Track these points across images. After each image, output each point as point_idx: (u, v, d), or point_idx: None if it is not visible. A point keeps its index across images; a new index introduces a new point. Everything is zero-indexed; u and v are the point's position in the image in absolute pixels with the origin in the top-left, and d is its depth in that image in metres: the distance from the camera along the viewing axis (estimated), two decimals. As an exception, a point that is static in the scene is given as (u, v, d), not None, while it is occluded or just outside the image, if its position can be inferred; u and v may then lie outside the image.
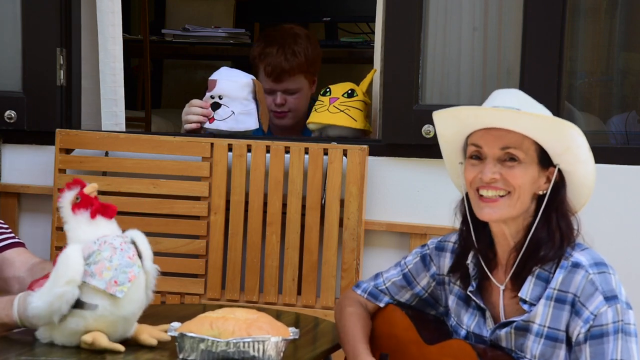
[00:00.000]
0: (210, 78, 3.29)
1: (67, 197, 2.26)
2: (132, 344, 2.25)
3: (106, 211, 2.25)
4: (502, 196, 2.11)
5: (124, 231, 2.28)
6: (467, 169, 2.16)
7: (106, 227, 2.25)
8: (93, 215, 2.23)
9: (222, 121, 3.20)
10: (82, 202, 2.24)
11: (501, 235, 2.18)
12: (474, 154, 2.15)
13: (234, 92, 3.23)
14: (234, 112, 3.21)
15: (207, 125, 3.21)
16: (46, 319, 2.18)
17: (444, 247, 2.35)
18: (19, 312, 2.24)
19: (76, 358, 2.16)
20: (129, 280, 2.18)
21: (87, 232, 2.23)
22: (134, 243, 2.26)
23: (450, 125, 2.21)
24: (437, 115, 2.22)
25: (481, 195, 2.13)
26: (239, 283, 3.14)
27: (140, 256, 2.25)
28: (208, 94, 3.24)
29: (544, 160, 2.12)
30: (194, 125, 3.23)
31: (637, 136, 3.30)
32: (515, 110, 2.09)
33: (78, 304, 2.17)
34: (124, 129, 3.37)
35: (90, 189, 2.26)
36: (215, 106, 3.21)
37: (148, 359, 2.19)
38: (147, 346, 2.25)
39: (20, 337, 2.31)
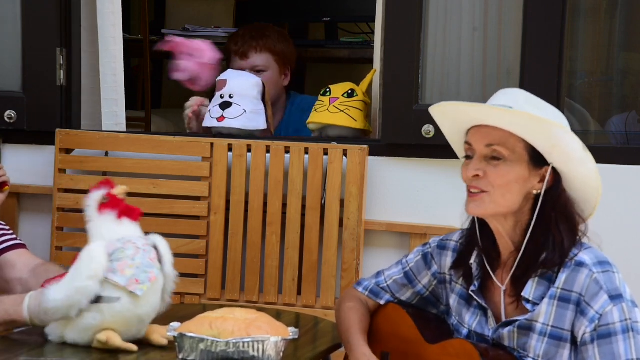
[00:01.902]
0: (218, 79, 3.30)
1: (95, 197, 2.29)
2: (142, 344, 2.26)
3: (132, 213, 2.30)
4: (485, 191, 2.12)
5: (146, 234, 2.32)
6: (462, 168, 2.18)
7: (130, 228, 2.29)
8: (119, 216, 2.28)
9: (234, 119, 3.21)
10: (109, 203, 2.28)
11: (498, 234, 2.19)
12: (467, 152, 2.17)
13: (245, 91, 3.25)
14: (245, 111, 3.22)
15: (217, 124, 3.21)
16: (63, 313, 2.19)
17: (445, 246, 2.35)
18: (30, 310, 2.24)
19: (86, 355, 2.17)
20: (150, 280, 2.22)
21: (111, 231, 2.26)
22: (155, 247, 2.29)
23: (441, 121, 2.24)
24: (431, 112, 2.24)
25: (469, 190, 2.15)
26: (239, 283, 3.14)
27: (160, 261, 2.28)
28: (217, 94, 3.25)
29: (536, 158, 2.11)
30: (189, 113, 3.26)
31: (637, 136, 3.30)
32: (488, 106, 2.10)
33: (97, 299, 2.19)
34: (124, 129, 3.38)
35: (120, 190, 2.30)
36: (226, 105, 3.22)
37: (148, 357, 2.20)
38: (156, 347, 2.26)
39: (23, 337, 2.31)
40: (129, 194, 3.12)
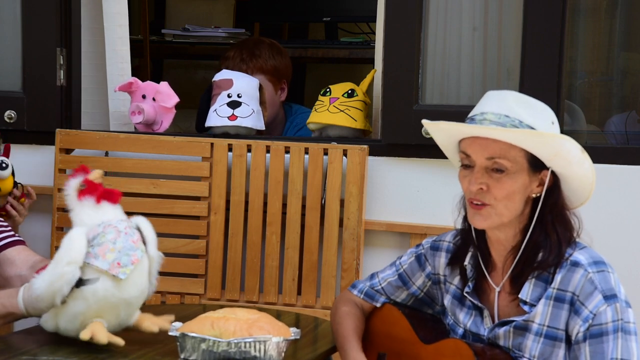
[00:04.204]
0: (222, 78, 3.30)
1: (73, 184, 2.28)
2: (133, 334, 2.25)
3: (111, 196, 2.28)
4: (488, 204, 2.11)
5: (129, 216, 2.30)
6: (459, 177, 2.17)
7: (111, 212, 2.27)
8: (98, 200, 2.26)
9: (246, 118, 3.21)
10: (87, 189, 2.26)
11: (495, 240, 2.18)
12: (464, 162, 2.15)
13: (250, 91, 3.27)
14: (254, 110, 3.23)
15: (229, 122, 3.21)
16: (48, 300, 2.19)
17: (439, 247, 2.35)
18: (24, 300, 2.24)
19: (77, 358, 2.16)
20: (132, 262, 2.20)
21: (91, 216, 2.25)
22: (138, 229, 2.27)
23: (433, 132, 2.23)
24: (424, 124, 2.23)
25: (472, 202, 2.14)
26: (239, 283, 3.14)
27: (144, 242, 2.26)
28: (224, 93, 3.25)
29: (536, 164, 2.10)
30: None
31: (637, 136, 3.30)
32: (487, 127, 2.07)
33: (80, 283, 2.17)
34: (133, 129, 3.37)
35: (95, 174, 2.28)
36: (236, 104, 3.22)
37: (149, 357, 2.19)
38: (147, 346, 2.25)
39: (22, 337, 2.31)
40: (130, 194, 3.17)
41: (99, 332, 2.17)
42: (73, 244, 2.18)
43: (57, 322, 2.24)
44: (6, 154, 3.08)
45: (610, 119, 3.37)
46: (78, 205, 2.26)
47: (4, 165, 3.01)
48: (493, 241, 2.19)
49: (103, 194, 2.26)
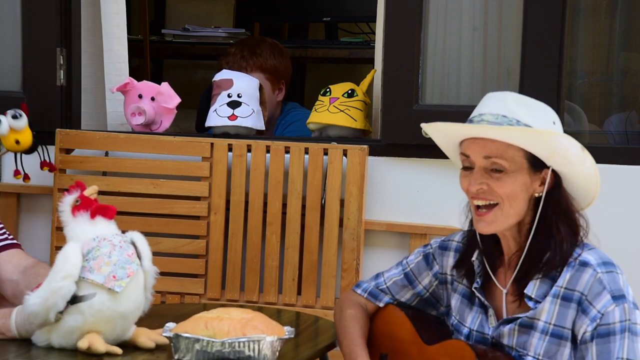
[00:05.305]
0: (222, 78, 3.30)
1: (68, 201, 2.27)
2: (129, 346, 2.24)
3: (106, 212, 2.27)
4: (494, 206, 2.11)
5: (123, 232, 2.30)
6: (460, 179, 2.17)
7: (105, 227, 2.26)
8: (93, 216, 2.25)
9: (246, 118, 3.21)
10: (82, 204, 2.26)
11: (504, 238, 2.19)
12: (464, 163, 2.16)
13: (251, 91, 3.27)
14: (254, 110, 3.23)
15: (229, 122, 3.21)
16: (43, 317, 2.17)
17: (447, 247, 2.35)
18: (16, 323, 2.24)
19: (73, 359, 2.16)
20: (128, 275, 2.19)
21: (86, 231, 2.24)
22: (133, 244, 2.27)
23: (434, 135, 2.24)
24: (423, 127, 2.24)
25: (477, 208, 2.14)
26: (239, 283, 3.14)
27: (139, 257, 2.25)
28: (224, 93, 3.25)
29: (536, 163, 2.10)
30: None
31: (636, 136, 3.30)
32: (480, 125, 2.08)
33: (75, 300, 2.17)
34: (130, 129, 3.37)
35: (91, 191, 2.28)
36: (236, 104, 3.22)
37: (143, 357, 2.19)
38: (144, 348, 2.25)
39: (12, 340, 2.30)
40: (130, 194, 3.18)
41: (97, 341, 2.17)
42: (68, 259, 2.17)
43: (50, 337, 2.22)
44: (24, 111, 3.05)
45: (609, 118, 3.37)
46: (73, 221, 2.26)
47: (17, 115, 2.98)
48: (501, 238, 2.20)
49: (98, 210, 2.26)
